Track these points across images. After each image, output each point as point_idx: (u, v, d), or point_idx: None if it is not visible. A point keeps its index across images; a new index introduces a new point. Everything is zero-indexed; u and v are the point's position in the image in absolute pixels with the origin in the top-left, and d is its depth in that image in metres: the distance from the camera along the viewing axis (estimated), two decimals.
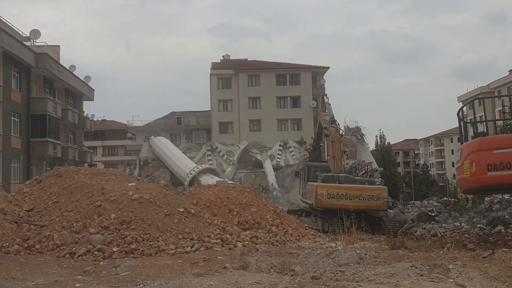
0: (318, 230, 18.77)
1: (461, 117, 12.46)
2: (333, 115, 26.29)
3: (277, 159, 47.76)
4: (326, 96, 29.97)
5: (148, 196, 12.47)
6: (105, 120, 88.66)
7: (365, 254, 8.97)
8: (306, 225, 17.17)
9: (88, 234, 10.93)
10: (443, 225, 20.97)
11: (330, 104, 28.36)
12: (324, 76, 68.06)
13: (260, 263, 9.31)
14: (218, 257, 10.20)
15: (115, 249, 10.58)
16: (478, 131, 11.74)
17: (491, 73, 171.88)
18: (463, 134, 12.34)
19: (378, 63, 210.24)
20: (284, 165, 47.04)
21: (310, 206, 21.38)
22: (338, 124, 25.08)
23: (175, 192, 20.75)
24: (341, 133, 24.03)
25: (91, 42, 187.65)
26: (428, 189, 78.76)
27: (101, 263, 9.92)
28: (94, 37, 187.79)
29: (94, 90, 51.33)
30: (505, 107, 32.77)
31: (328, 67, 67.96)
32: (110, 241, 10.77)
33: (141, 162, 48.45)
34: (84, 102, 50.47)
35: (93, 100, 51.91)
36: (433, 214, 23.90)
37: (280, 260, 9.60)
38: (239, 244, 11.77)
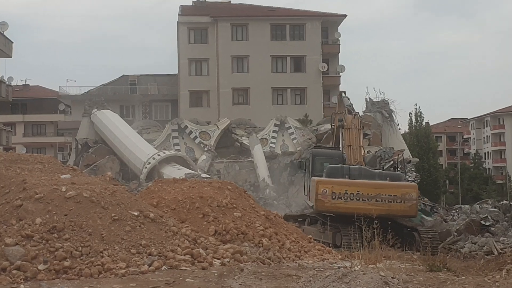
0: (328, 243, 18.86)
1: None
2: (351, 103, 27.14)
3: (271, 145, 47.79)
4: (344, 93, 30.71)
5: (88, 193, 12.45)
6: (28, 85, 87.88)
7: (392, 278, 9.04)
8: (310, 236, 17.26)
9: (3, 246, 10.88)
10: (501, 238, 21.23)
11: (348, 98, 29.58)
12: (339, 28, 67.99)
13: None
14: (187, 279, 10.23)
15: (41, 267, 10.56)
16: None
17: None
18: None
19: (413, 12, 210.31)
20: (281, 152, 47.07)
21: (313, 211, 21.47)
22: (358, 113, 25.71)
23: (127, 188, 20.73)
24: (360, 120, 24.31)
25: None
26: (481, 188, 79.48)
27: (22, 286, 9.89)
28: None
29: (12, 42, 50.79)
30: None
31: (345, 16, 67.81)
32: (34, 256, 10.74)
33: (79, 146, 48.23)
34: None
35: (11, 57, 51.52)
36: (487, 224, 24.15)
37: (274, 285, 9.65)
38: (217, 262, 11.83)
